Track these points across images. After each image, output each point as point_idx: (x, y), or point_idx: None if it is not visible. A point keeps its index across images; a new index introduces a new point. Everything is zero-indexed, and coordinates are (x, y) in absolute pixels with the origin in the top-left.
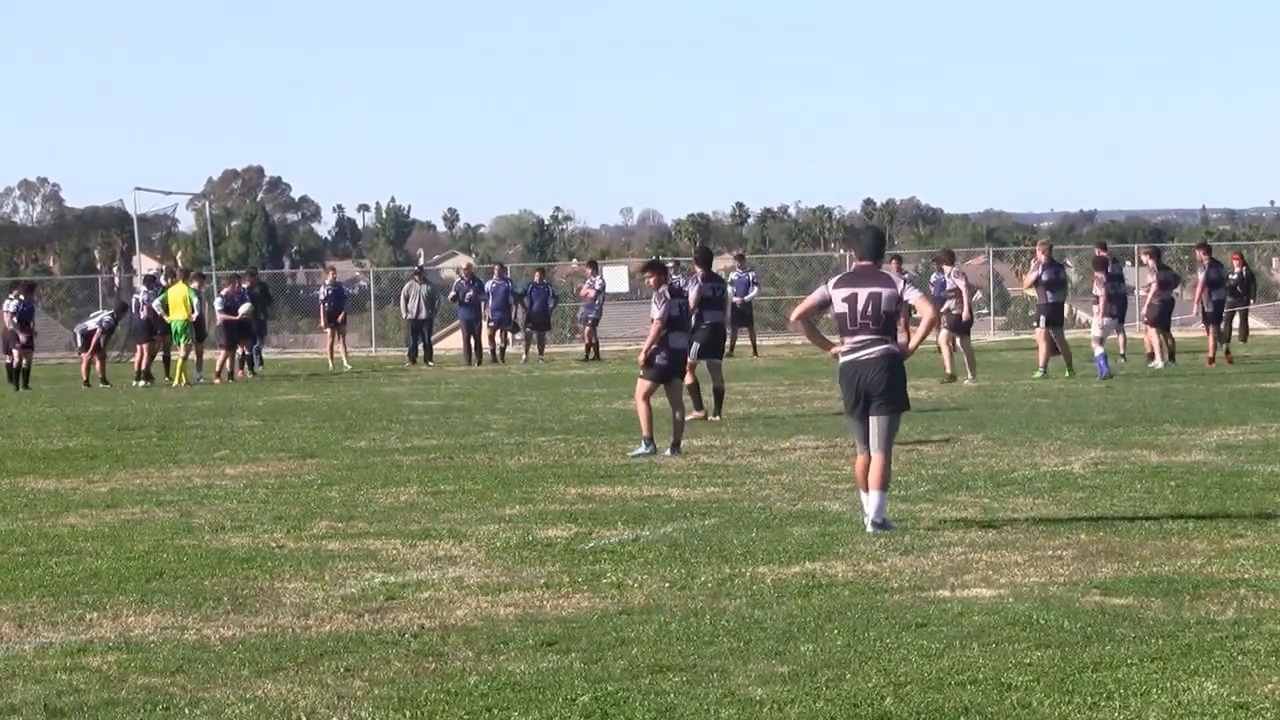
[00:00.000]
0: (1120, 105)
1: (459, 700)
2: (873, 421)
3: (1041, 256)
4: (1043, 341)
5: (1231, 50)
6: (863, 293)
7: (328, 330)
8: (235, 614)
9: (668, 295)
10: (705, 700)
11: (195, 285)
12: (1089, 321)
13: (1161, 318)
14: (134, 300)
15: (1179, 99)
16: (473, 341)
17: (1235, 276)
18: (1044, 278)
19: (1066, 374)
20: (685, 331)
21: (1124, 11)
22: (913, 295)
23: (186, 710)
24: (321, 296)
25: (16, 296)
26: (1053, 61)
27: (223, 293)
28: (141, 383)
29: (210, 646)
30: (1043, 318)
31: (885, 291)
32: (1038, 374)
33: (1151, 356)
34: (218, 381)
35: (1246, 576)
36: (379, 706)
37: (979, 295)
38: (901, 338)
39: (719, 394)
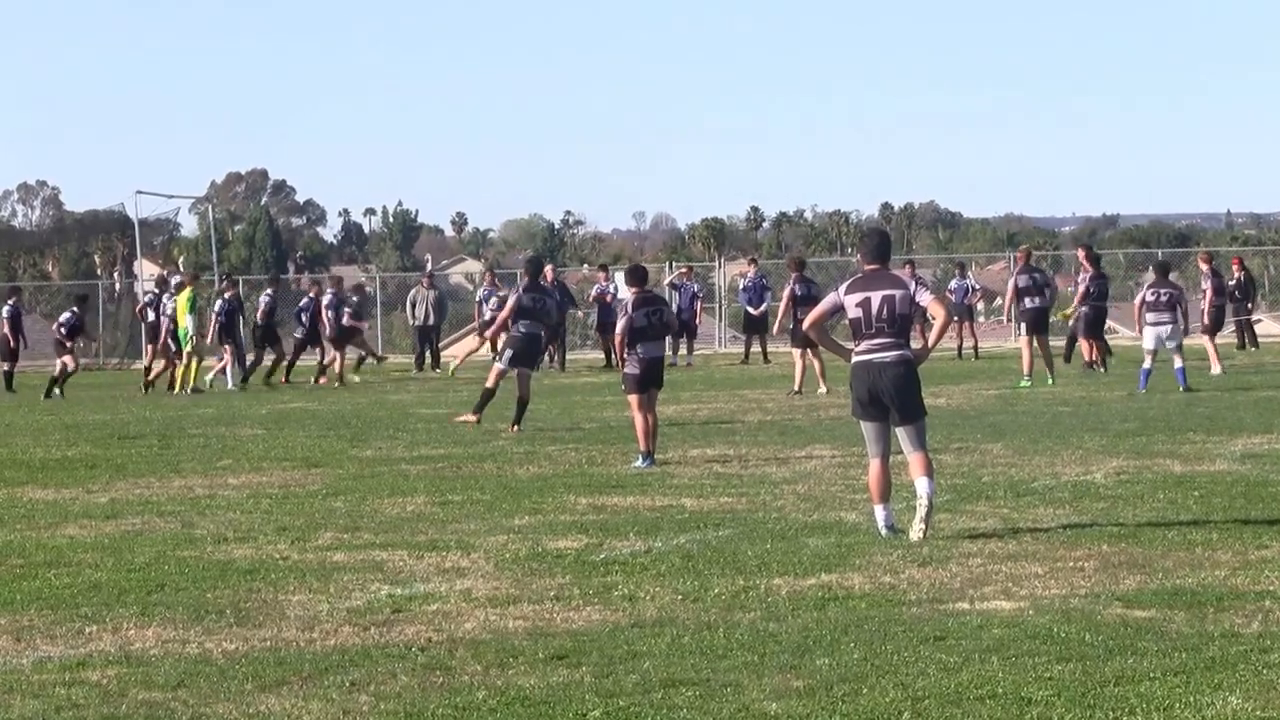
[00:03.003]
0: (1143, 108)
1: (467, 715)
2: (900, 432)
3: (1020, 262)
4: (1025, 349)
5: (1257, 52)
6: (876, 296)
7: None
8: (238, 627)
9: (628, 308)
10: (719, 715)
11: (227, 290)
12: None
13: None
14: (152, 304)
15: (1203, 101)
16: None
17: (1234, 283)
18: (1020, 283)
19: (1027, 383)
20: (657, 340)
21: (1147, 13)
22: (925, 298)
23: None
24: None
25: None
26: (1074, 63)
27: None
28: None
29: (212, 660)
30: (1023, 325)
31: (899, 293)
32: (1024, 383)
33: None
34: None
35: (1272, 588)
36: None
37: (998, 300)
38: (916, 344)
39: (521, 404)
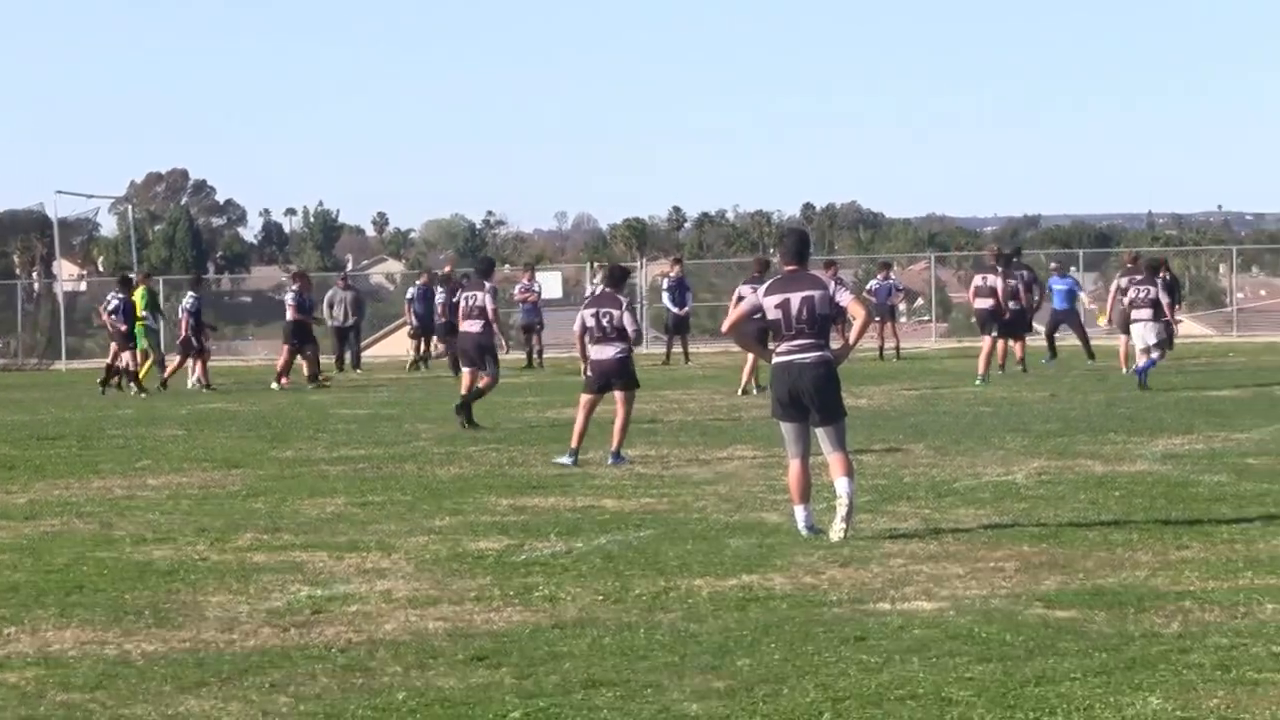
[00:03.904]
0: (1065, 108)
1: (387, 716)
2: (820, 432)
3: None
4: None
5: (1178, 53)
6: (795, 297)
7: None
8: (157, 628)
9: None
10: (639, 716)
11: (191, 294)
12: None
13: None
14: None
15: (1125, 102)
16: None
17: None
18: (975, 283)
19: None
20: (604, 343)
21: (1067, 14)
22: (845, 298)
23: None
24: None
25: None
26: (996, 64)
27: (294, 289)
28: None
29: (131, 662)
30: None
31: (818, 294)
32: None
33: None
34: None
35: (1192, 589)
36: None
37: (920, 301)
38: (836, 344)
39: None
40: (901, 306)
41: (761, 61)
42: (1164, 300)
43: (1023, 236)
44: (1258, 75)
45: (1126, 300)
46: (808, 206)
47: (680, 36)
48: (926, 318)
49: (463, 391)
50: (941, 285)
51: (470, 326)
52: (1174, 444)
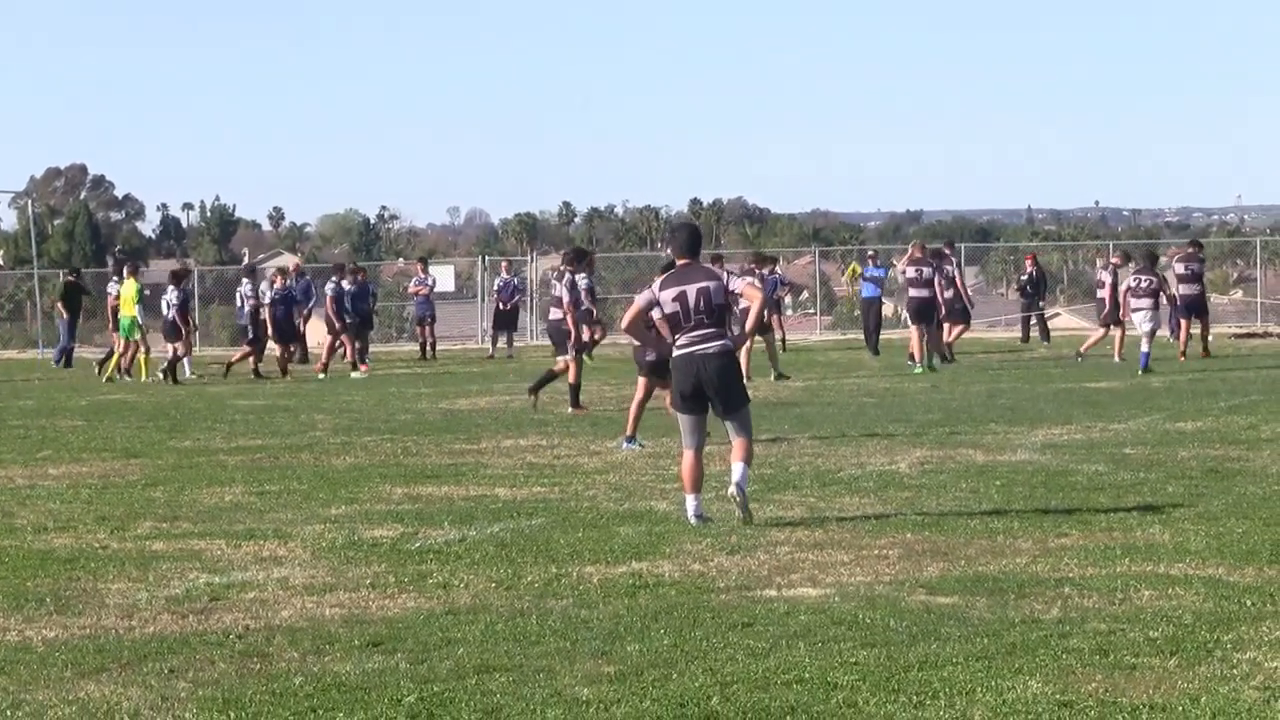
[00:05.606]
0: (946, 105)
1: (284, 701)
2: (727, 423)
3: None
4: (915, 337)
5: (1053, 52)
6: (692, 289)
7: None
8: (58, 615)
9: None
10: (531, 700)
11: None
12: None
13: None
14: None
15: (1004, 100)
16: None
17: (1026, 278)
18: (909, 275)
19: (921, 369)
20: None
21: (945, 12)
22: (739, 284)
23: (8, 712)
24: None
25: None
26: (877, 62)
27: (275, 286)
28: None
29: (32, 648)
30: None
31: (713, 284)
32: (918, 369)
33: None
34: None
35: (1071, 575)
36: (203, 708)
37: (805, 294)
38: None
39: (550, 378)
40: (787, 300)
41: (650, 59)
42: (1165, 290)
43: (905, 231)
44: (1133, 75)
45: (1124, 289)
46: (695, 201)
47: (570, 33)
48: (811, 311)
49: (569, 381)
50: (826, 279)
51: (551, 314)
52: (1053, 434)
